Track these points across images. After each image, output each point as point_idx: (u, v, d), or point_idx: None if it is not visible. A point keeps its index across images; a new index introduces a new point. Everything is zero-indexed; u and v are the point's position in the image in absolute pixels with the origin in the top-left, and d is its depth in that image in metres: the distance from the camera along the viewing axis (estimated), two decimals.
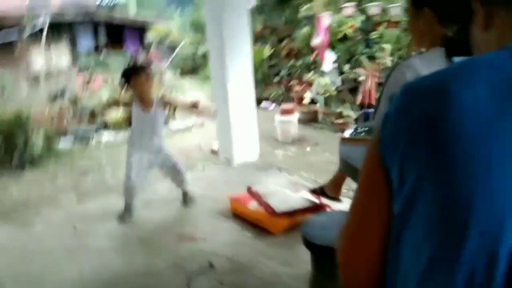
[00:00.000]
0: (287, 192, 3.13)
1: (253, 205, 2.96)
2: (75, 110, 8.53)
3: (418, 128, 0.55)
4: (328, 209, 2.67)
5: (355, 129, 1.68)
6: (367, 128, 1.64)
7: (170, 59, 17.62)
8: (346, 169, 1.41)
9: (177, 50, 17.94)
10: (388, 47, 6.80)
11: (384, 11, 7.54)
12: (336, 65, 7.53)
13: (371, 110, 2.16)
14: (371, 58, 7.33)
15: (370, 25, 7.64)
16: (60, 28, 11.02)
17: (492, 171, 0.49)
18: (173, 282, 2.33)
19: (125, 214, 3.19)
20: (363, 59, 7.03)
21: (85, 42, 11.77)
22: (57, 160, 6.07)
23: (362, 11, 7.95)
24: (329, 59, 7.27)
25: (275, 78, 9.80)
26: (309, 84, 8.09)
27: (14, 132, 5.83)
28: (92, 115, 8.17)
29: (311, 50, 8.87)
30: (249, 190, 3.12)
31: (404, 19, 7.20)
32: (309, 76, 8.07)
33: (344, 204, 2.63)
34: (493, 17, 0.60)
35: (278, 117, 6.17)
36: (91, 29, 11.62)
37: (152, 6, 32.43)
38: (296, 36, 10.01)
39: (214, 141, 5.60)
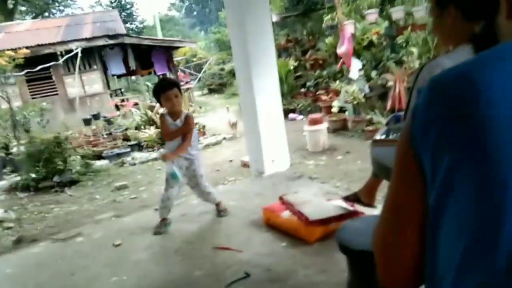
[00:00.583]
0: (320, 200, 3.11)
1: (286, 214, 2.96)
2: (110, 131, 8.85)
3: (449, 118, 0.55)
4: (362, 216, 2.64)
5: (386, 131, 1.67)
6: (398, 130, 1.63)
7: (197, 78, 18.05)
8: (380, 171, 1.40)
9: (203, 69, 18.36)
10: (415, 50, 6.70)
11: (408, 15, 7.46)
12: (362, 72, 7.48)
13: (401, 113, 2.14)
14: (399, 63, 7.24)
15: (394, 30, 7.57)
16: (92, 54, 11.52)
17: None
18: None
19: (161, 226, 3.26)
20: (390, 64, 6.96)
21: (116, 66, 12.23)
22: (95, 179, 6.29)
23: (386, 16, 7.90)
24: (355, 67, 7.23)
25: (302, 89, 9.83)
26: (336, 93, 8.06)
27: (54, 154, 6.10)
28: (126, 135, 8.45)
29: (336, 59, 8.87)
30: (282, 199, 3.13)
31: (430, 21, 7.10)
32: (336, 85, 8.04)
33: (379, 210, 2.59)
34: None
35: (306, 127, 6.17)
36: (121, 53, 12.07)
37: (177, 29, 33.45)
38: (320, 47, 10.05)
39: (245, 154, 5.67)
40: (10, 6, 21.61)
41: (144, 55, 12.51)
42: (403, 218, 0.64)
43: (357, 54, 7.75)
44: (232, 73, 16.42)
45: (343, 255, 2.44)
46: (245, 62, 4.09)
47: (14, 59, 7.56)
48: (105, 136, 8.63)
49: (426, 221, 0.61)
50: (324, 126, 6.16)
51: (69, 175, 6.06)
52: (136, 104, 10.97)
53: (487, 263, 0.51)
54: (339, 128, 7.13)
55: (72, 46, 10.68)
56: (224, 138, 7.91)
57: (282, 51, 10.60)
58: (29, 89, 11.00)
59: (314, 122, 6.09)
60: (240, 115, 10.10)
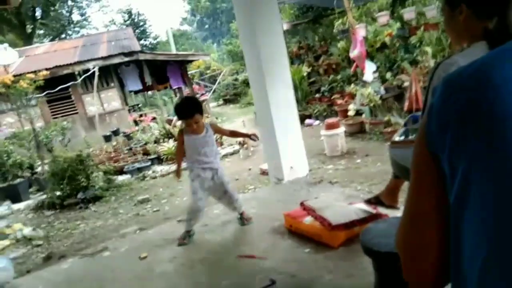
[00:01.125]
0: (342, 204, 3.10)
1: (308, 220, 2.96)
2: (130, 146, 9.01)
3: (464, 116, 0.55)
4: (386, 218, 2.62)
5: (405, 132, 1.67)
6: (416, 130, 1.64)
7: (212, 90, 18.25)
8: (400, 172, 1.41)
9: (218, 80, 18.56)
10: (429, 50, 6.65)
11: (420, 15, 7.42)
12: (377, 74, 7.45)
13: (419, 113, 2.14)
14: (413, 63, 7.20)
15: (407, 30, 7.53)
16: (109, 72, 11.80)
17: None
18: None
19: (186, 237, 3.31)
20: (405, 64, 6.92)
21: (133, 82, 12.47)
22: (117, 193, 6.41)
23: (398, 18, 7.87)
24: (369, 69, 7.21)
25: (316, 95, 9.84)
26: (352, 96, 8.04)
27: (77, 172, 6.25)
28: (145, 149, 8.58)
29: (350, 63, 8.86)
30: (303, 205, 3.14)
31: (442, 20, 7.04)
32: (351, 88, 8.02)
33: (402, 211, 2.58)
34: None
35: (323, 132, 6.16)
36: (136, 70, 12.32)
37: (190, 42, 33.89)
38: (333, 52, 10.06)
39: (263, 163, 5.69)
40: (29, 30, 22.36)
41: (159, 70, 12.73)
42: (424, 217, 0.64)
43: (370, 56, 7.74)
44: (246, 83, 16.55)
45: (368, 258, 2.43)
46: (258, 71, 4.14)
47: (34, 81, 7.81)
48: (125, 151, 8.79)
49: (447, 219, 0.61)
50: (341, 130, 6.14)
51: (92, 191, 6.19)
52: (154, 118, 11.15)
53: (508, 270, 0.51)
54: (357, 131, 7.09)
55: (89, 65, 10.97)
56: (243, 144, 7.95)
57: (294, 58, 10.64)
58: (50, 109, 11.33)
59: (331, 126, 6.08)
60: (256, 124, 10.14)
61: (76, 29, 28.33)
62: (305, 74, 10.05)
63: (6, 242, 4.52)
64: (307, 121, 8.75)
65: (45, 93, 9.82)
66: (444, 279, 0.66)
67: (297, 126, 4.41)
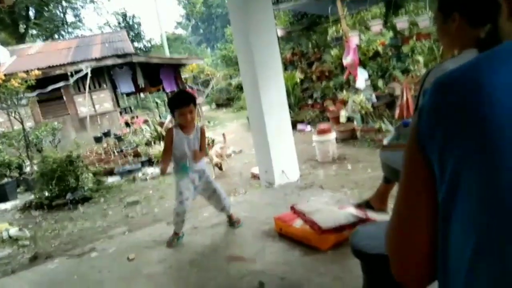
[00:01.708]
0: (332, 208, 3.11)
1: (298, 223, 2.97)
2: (120, 148, 8.96)
3: (453, 117, 0.56)
4: (375, 221, 2.63)
5: (396, 136, 1.69)
6: (407, 135, 1.65)
7: (205, 94, 18.25)
8: (391, 174, 1.42)
9: (211, 84, 18.57)
10: (421, 59, 6.74)
11: (413, 24, 7.53)
12: (369, 82, 7.52)
13: (410, 119, 2.16)
14: (405, 71, 7.28)
15: (399, 40, 7.63)
16: (101, 74, 11.75)
17: None
18: None
19: (174, 239, 3.29)
20: (397, 73, 7.00)
21: (125, 84, 12.43)
22: (107, 195, 6.35)
23: (390, 27, 7.97)
24: (361, 77, 7.28)
25: (309, 101, 9.90)
26: (344, 103, 8.09)
27: (66, 172, 6.18)
28: (136, 151, 8.54)
29: (342, 70, 8.94)
30: (293, 208, 3.14)
31: (435, 30, 7.15)
32: (343, 95, 8.08)
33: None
34: None
35: (315, 138, 6.18)
36: (129, 72, 12.28)
37: (184, 46, 33.89)
38: (326, 59, 10.14)
39: (254, 167, 5.69)
40: (22, 30, 22.19)
41: (152, 73, 12.71)
42: (414, 217, 0.65)
43: (363, 64, 7.82)
44: (239, 88, 16.58)
45: (357, 261, 2.44)
46: (252, 76, 4.15)
47: (26, 81, 7.74)
48: (116, 153, 8.74)
49: (436, 217, 0.62)
50: (332, 136, 6.17)
51: (81, 193, 6.12)
52: (146, 121, 11.11)
53: (496, 261, 0.52)
54: (348, 137, 7.13)
55: (82, 66, 10.92)
56: (234, 152, 7.95)
57: (288, 64, 10.71)
58: (41, 109, 11.23)
59: (323, 132, 6.10)
60: (248, 130, 10.11)
61: (70, 30, 28.20)
62: (298, 80, 10.10)
63: None
64: (299, 126, 8.78)
65: (36, 92, 9.74)
66: (432, 277, 0.67)
67: (289, 131, 4.43)
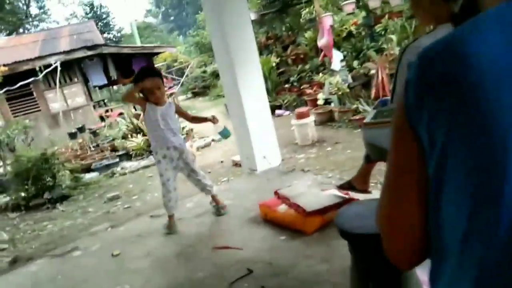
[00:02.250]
0: (315, 191, 3.13)
1: (282, 208, 2.98)
2: (96, 143, 8.76)
3: (440, 88, 0.56)
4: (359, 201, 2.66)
5: (375, 114, 1.69)
6: (386, 111, 1.66)
7: (180, 83, 17.97)
8: (374, 152, 1.42)
9: (186, 73, 18.29)
10: (394, 37, 6.79)
11: (385, 3, 7.55)
12: (344, 63, 7.54)
13: (388, 98, 2.17)
14: (379, 51, 7.33)
15: (372, 19, 7.66)
16: (72, 67, 11.38)
17: None
18: None
19: (172, 225, 3.29)
20: (371, 53, 7.04)
21: (97, 77, 12.09)
22: (86, 192, 6.22)
23: (363, 6, 7.98)
24: (337, 58, 7.29)
25: (286, 85, 9.88)
26: (320, 85, 8.12)
27: (42, 171, 6.01)
28: (113, 145, 8.37)
29: (318, 52, 8.93)
30: (277, 193, 3.14)
31: (407, 8, 7.21)
32: (319, 77, 8.10)
33: (374, 195, 2.62)
34: None
35: (294, 122, 6.19)
36: (101, 64, 11.94)
37: (155, 35, 33.18)
38: (300, 42, 10.11)
39: (235, 154, 5.66)
40: None
41: (124, 64, 12.39)
42: (404, 189, 0.65)
43: (337, 45, 7.82)
44: (215, 75, 16.38)
45: (344, 242, 2.47)
46: (228, 62, 4.09)
47: None
48: (92, 148, 8.54)
49: (427, 191, 0.62)
50: (311, 119, 6.19)
51: (59, 191, 5.98)
52: (121, 113, 10.87)
53: (490, 233, 0.52)
54: (326, 120, 7.17)
55: (51, 60, 10.53)
56: (213, 140, 7.89)
57: (263, 49, 10.63)
58: (10, 107, 10.83)
59: (301, 116, 6.11)
60: (227, 116, 10.07)
61: (35, 23, 27.15)
62: (274, 64, 10.05)
63: None
64: (277, 111, 8.76)
65: (4, 90, 9.36)
66: (423, 255, 0.66)
67: (268, 116, 4.41)
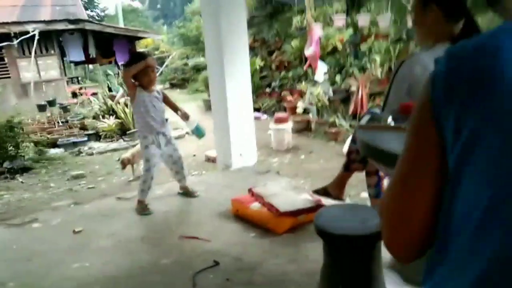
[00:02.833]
0: (289, 193, 3.14)
1: (255, 206, 2.97)
2: (66, 119, 8.46)
3: (472, 83, 0.58)
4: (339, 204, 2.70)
5: (370, 119, 1.73)
6: (379, 118, 1.70)
7: (159, 72, 17.67)
8: (370, 152, 1.45)
9: (166, 62, 18.01)
10: (378, 58, 6.96)
11: (373, 24, 7.73)
12: (327, 76, 7.66)
13: (376, 109, 2.23)
14: (361, 69, 7.48)
15: (358, 37, 7.82)
16: (50, 38, 10.97)
17: None
18: (178, 279, 2.31)
19: (145, 206, 3.26)
20: (354, 70, 7.18)
21: (75, 52, 11.70)
22: (49, 167, 6.00)
23: (351, 24, 8.14)
24: (321, 70, 7.39)
25: (267, 89, 9.91)
26: (301, 94, 8.20)
27: (5, 139, 5.75)
28: (83, 124, 8.11)
29: (301, 62, 9.02)
30: (251, 191, 3.14)
31: (392, 32, 7.42)
32: (302, 86, 8.17)
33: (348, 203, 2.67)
34: None
35: (272, 126, 6.23)
36: (81, 40, 11.57)
37: (140, 20, 32.53)
38: (286, 49, 10.18)
39: (209, 149, 5.62)
40: None
41: (105, 44, 12.07)
42: (416, 179, 0.66)
43: (321, 58, 7.92)
44: (196, 69, 16.21)
45: (312, 245, 2.50)
46: (218, 58, 4.07)
47: None
48: (60, 124, 8.25)
49: (439, 186, 0.63)
50: (289, 125, 6.25)
51: (21, 162, 5.74)
52: (95, 93, 10.56)
53: (509, 219, 0.53)
54: (303, 128, 7.26)
55: (29, 27, 10.11)
56: (187, 133, 7.80)
57: (249, 50, 10.62)
58: None
59: (280, 121, 6.16)
60: (204, 112, 9.98)
61: None
62: (258, 67, 10.07)
63: None
64: (255, 114, 8.72)
65: None
66: (426, 247, 0.67)
67: (250, 115, 4.41)
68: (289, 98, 8.41)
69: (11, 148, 5.78)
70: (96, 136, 7.70)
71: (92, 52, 11.61)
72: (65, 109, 9.16)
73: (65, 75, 12.46)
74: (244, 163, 4.26)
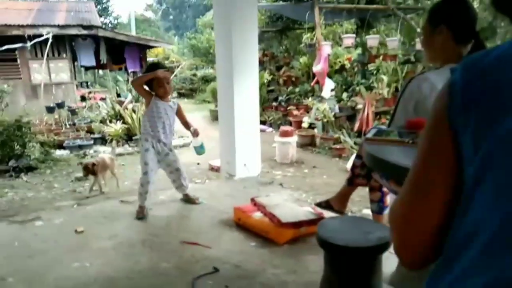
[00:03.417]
0: (291, 205, 3.16)
1: (257, 215, 2.98)
2: (73, 121, 8.54)
3: (491, 98, 0.57)
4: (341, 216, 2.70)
5: (376, 132, 1.76)
6: (387, 132, 1.73)
7: None
8: (375, 164, 1.47)
9: (175, 72, 18.20)
10: (385, 78, 7.01)
11: (382, 44, 7.82)
12: (334, 92, 7.72)
13: (382, 126, 2.25)
14: (368, 88, 7.54)
15: (367, 57, 7.90)
16: (63, 42, 11.13)
17: None
18: (178, 284, 2.31)
19: (143, 212, 3.27)
20: (361, 88, 7.23)
21: (86, 57, 11.84)
22: (54, 167, 6.04)
23: (360, 44, 8.24)
24: (328, 86, 7.45)
25: (273, 103, 10.00)
26: (307, 109, 8.25)
27: (13, 137, 5.81)
28: (90, 127, 8.19)
29: (309, 78, 9.11)
30: (254, 201, 3.15)
31: (401, 53, 7.49)
32: (308, 101, 8.23)
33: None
34: None
35: (277, 139, 6.26)
36: (93, 45, 11.73)
37: (152, 30, 32.97)
38: (294, 65, 10.30)
39: (213, 159, 5.64)
40: None
41: (116, 50, 12.22)
42: (429, 185, 0.65)
43: (328, 76, 8.00)
44: (204, 80, 16.38)
45: (313, 257, 2.50)
46: (228, 69, 4.14)
47: None
48: (68, 126, 8.32)
49: (450, 194, 0.63)
50: (294, 139, 6.28)
51: (26, 161, 5.79)
52: (104, 98, 10.66)
53: None
54: (307, 143, 7.28)
55: (43, 31, 10.27)
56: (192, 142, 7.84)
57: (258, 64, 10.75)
58: None
59: (285, 134, 6.19)
60: (210, 122, 10.04)
61: None
62: (266, 81, 10.18)
63: None
64: (261, 126, 8.80)
65: None
66: (436, 255, 0.66)
67: (256, 126, 4.46)
68: (295, 112, 8.46)
69: (17, 147, 5.83)
70: (102, 140, 7.76)
71: (103, 58, 11.75)
72: (73, 112, 9.24)
73: (75, 79, 12.59)
74: (248, 174, 4.28)
